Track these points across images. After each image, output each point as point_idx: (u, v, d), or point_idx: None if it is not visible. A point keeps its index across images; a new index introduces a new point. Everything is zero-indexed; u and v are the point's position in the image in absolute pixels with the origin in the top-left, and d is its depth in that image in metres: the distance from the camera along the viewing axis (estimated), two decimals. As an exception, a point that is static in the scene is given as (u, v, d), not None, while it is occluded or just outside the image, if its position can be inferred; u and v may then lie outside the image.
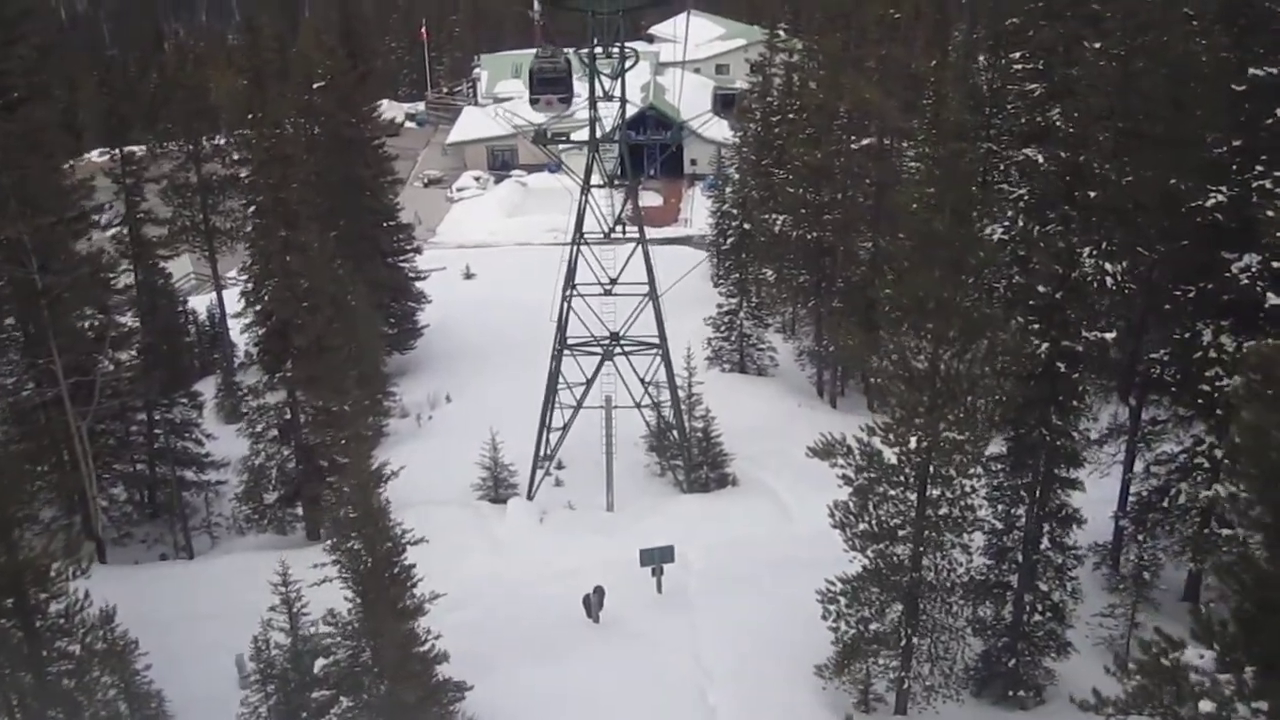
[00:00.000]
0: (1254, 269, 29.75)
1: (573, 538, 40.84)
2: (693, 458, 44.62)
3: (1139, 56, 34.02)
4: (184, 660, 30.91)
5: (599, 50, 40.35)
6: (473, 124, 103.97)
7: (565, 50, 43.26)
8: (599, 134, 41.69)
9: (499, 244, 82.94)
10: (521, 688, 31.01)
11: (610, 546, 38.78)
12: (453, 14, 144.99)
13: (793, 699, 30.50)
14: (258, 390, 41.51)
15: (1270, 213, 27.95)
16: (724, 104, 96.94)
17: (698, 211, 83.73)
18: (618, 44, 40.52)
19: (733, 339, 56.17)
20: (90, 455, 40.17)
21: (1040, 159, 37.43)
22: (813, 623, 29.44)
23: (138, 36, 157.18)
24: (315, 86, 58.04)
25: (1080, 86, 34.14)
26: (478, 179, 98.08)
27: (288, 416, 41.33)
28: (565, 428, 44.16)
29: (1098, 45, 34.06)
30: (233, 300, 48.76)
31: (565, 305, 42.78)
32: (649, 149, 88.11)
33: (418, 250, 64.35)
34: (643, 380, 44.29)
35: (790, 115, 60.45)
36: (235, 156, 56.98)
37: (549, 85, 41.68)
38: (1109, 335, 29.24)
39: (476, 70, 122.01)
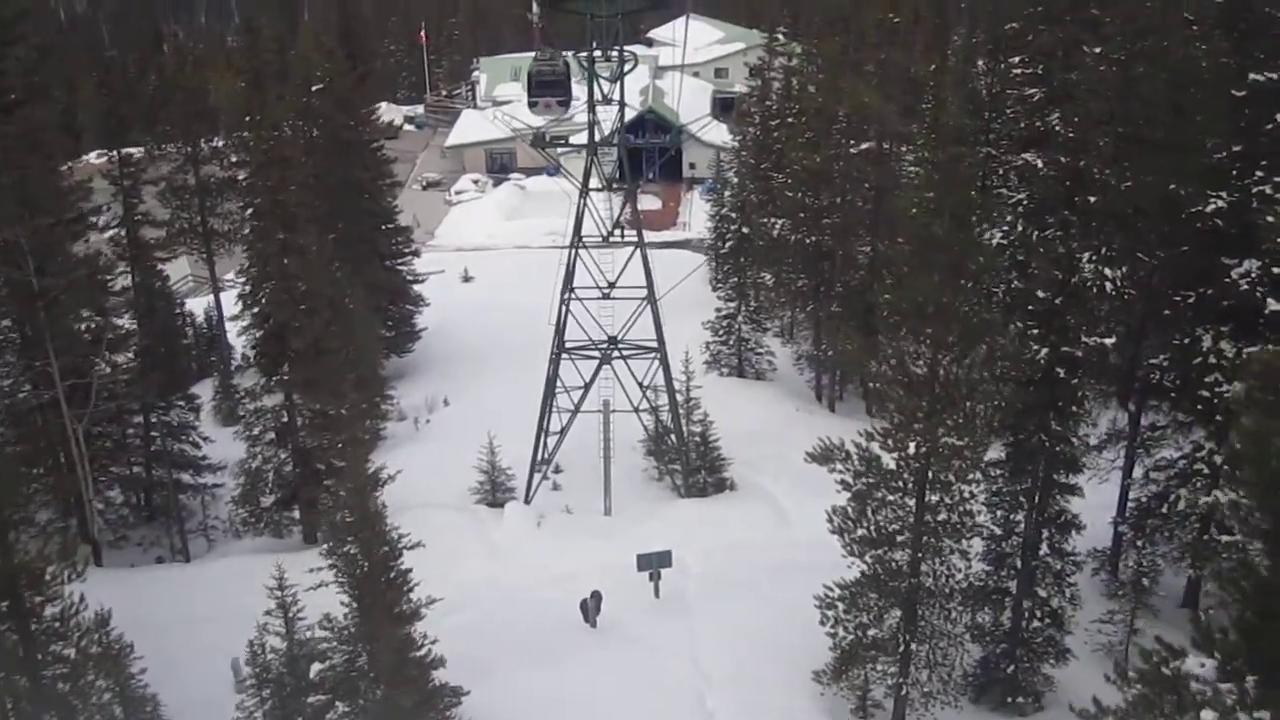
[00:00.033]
0: (1254, 274, 29.75)
1: (570, 542, 40.72)
2: (691, 462, 44.53)
3: (1139, 61, 34.02)
4: (180, 663, 30.83)
5: (598, 53, 40.30)
6: (471, 127, 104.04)
7: (564, 53, 43.20)
8: (598, 137, 41.60)
9: (497, 247, 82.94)
10: (519, 692, 30.88)
11: (608, 551, 38.66)
12: (452, 17, 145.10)
13: (791, 704, 30.41)
14: (255, 393, 41.43)
15: (1270, 218, 27.89)
16: (723, 108, 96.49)
17: (696, 215, 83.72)
18: (616, 47, 40.47)
19: (731, 343, 56.11)
20: (87, 458, 40.05)
21: (1039, 164, 37.37)
22: (811, 628, 29.34)
23: (137, 38, 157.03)
24: (314, 89, 58.02)
25: (1080, 91, 34.04)
26: (476, 182, 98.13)
27: (285, 419, 41.24)
28: (563, 431, 44.07)
29: (1097, 50, 33.97)
30: (230, 303, 48.66)
31: (563, 309, 42.71)
32: (647, 152, 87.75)
33: (416, 253, 64.33)
34: (641, 384, 44.19)
35: (789, 119, 60.45)
36: (233, 159, 56.93)
37: (547, 88, 41.57)
38: (1108, 341, 29.18)
39: (475, 73, 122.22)
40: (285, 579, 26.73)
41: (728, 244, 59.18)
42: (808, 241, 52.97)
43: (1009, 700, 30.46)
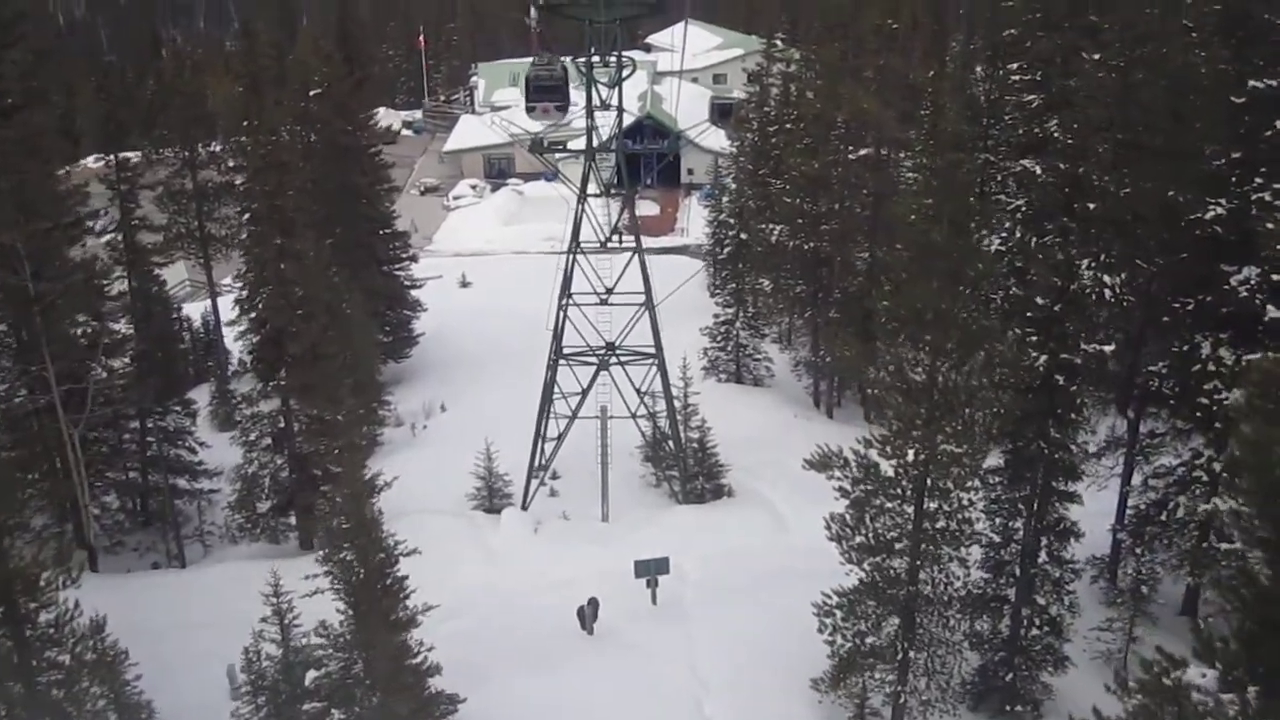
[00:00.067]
0: (1253, 281, 29.68)
1: (567, 548, 40.62)
2: (688, 468, 44.45)
3: (1138, 68, 34.00)
4: (176, 670, 30.71)
5: (596, 59, 40.24)
6: (470, 132, 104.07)
7: (562, 58, 43.15)
8: (596, 143, 41.56)
9: (495, 252, 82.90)
10: (515, 699, 30.80)
11: (605, 557, 38.61)
12: (451, 22, 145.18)
13: (788, 712, 30.34)
14: (251, 398, 41.30)
15: (1270, 225, 27.91)
16: (721, 113, 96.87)
17: (694, 221, 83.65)
18: (615, 53, 40.41)
19: (729, 349, 56.04)
20: (83, 463, 39.95)
21: (1038, 170, 37.43)
22: (809, 635, 29.28)
23: (135, 42, 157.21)
24: (312, 94, 57.94)
25: (1079, 98, 34.10)
26: (474, 187, 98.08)
27: (282, 425, 41.14)
28: (560, 438, 43.98)
29: (1096, 56, 34.00)
30: (228, 307, 48.56)
31: (561, 315, 42.63)
32: (646, 158, 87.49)
33: (414, 258, 64.30)
34: (639, 390, 44.13)
35: (787, 125, 60.41)
36: (231, 163, 56.85)
37: (545, 93, 41.54)
38: (1108, 348, 29.11)
39: (474, 78, 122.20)
40: (281, 585, 26.61)
41: (726, 250, 59.15)
42: (806, 247, 52.94)
43: (1007, 708, 30.34)
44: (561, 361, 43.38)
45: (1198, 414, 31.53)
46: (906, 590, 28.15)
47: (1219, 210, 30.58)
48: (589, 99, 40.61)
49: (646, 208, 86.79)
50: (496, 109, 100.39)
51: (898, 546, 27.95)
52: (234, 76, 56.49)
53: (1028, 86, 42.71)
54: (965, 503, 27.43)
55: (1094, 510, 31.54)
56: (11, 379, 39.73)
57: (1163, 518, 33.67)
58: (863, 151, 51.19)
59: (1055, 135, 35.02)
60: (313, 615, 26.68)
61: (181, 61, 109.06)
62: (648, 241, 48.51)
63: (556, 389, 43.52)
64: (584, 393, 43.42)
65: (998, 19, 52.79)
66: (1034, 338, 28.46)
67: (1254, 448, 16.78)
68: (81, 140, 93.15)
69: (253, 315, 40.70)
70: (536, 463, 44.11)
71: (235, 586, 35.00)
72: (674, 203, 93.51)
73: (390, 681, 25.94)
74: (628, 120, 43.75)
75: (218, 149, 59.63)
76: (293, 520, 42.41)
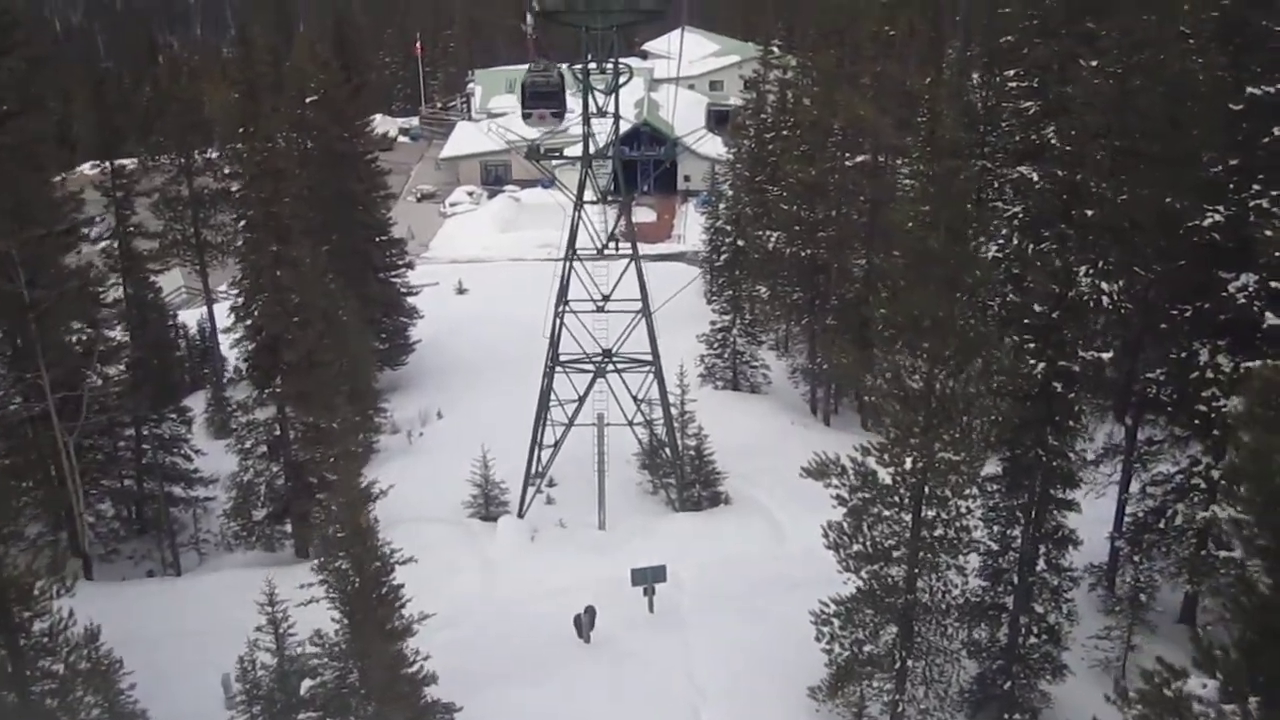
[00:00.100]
0: (1251, 289, 29.64)
1: (564, 556, 40.52)
2: (685, 476, 44.35)
3: (1136, 75, 33.95)
4: (171, 678, 30.58)
5: (593, 66, 40.18)
6: (466, 139, 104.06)
7: (559, 65, 43.09)
8: (592, 150, 41.49)
9: (492, 259, 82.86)
10: (511, 708, 30.70)
11: (602, 565, 38.52)
12: (447, 29, 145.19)
13: (786, 720, 30.26)
14: (247, 406, 41.15)
15: (1268, 232, 27.84)
16: (718, 120, 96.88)
17: (691, 228, 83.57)
18: (611, 60, 40.35)
19: (726, 356, 55.95)
20: (77, 471, 39.82)
21: (1035, 177, 37.42)
22: (806, 643, 29.22)
23: (132, 49, 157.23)
24: (308, 100, 57.85)
25: (1076, 104, 34.05)
26: (471, 194, 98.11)
27: (277, 432, 40.99)
28: (557, 445, 43.86)
29: (1094, 63, 33.96)
30: (223, 314, 48.47)
31: (558, 321, 42.53)
32: (643, 165, 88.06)
33: (410, 265, 64.11)
34: (635, 397, 44.02)
35: (784, 132, 60.41)
36: (227, 170, 56.78)
37: (542, 99, 41.44)
38: (1105, 355, 29.04)
39: (470, 85, 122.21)
40: (276, 594, 26.52)
41: (723, 257, 59.10)
42: (803, 254, 52.89)
43: (1006, 717, 30.14)
44: (558, 368, 43.30)
45: (1196, 421, 31.48)
46: (904, 598, 28.09)
47: (1217, 217, 30.54)
48: (586, 106, 40.57)
49: (643, 214, 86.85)
50: (493, 116, 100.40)
51: (895, 554, 27.90)
52: (230, 83, 56.38)
53: (1025, 93, 42.70)
54: (963, 510, 27.39)
55: (1092, 518, 31.43)
56: (6, 386, 39.56)
57: (1161, 525, 33.60)
58: (860, 158, 51.14)
59: (1052, 142, 34.96)
60: (308, 624, 26.60)
61: (178, 68, 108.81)
62: (644, 248, 48.47)
63: (553, 396, 43.42)
64: (581, 400, 43.35)
65: (995, 26, 52.85)
66: (1032, 345, 28.38)
67: (1254, 456, 16.71)
68: (78, 147, 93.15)
69: (248, 322, 40.54)
70: (533, 470, 44.01)
71: (230, 594, 34.92)
72: (671, 209, 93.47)
73: (386, 691, 25.82)
74: (624, 127, 43.71)
75: (214, 155, 59.58)
76: (288, 528, 42.24)
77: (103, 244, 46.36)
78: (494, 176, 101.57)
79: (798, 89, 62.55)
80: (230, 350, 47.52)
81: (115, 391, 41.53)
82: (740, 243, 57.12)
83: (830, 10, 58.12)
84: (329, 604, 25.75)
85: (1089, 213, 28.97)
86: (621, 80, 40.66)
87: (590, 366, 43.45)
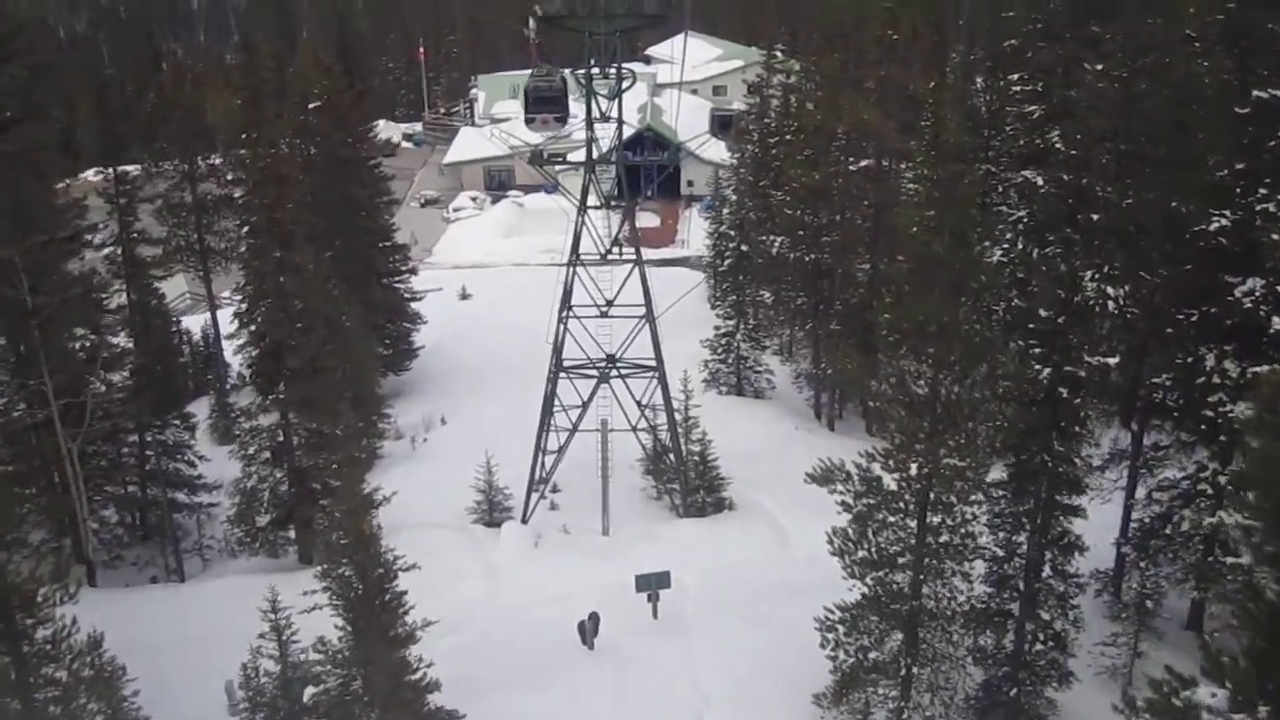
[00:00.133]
0: (1258, 293, 29.50)
1: (568, 562, 40.42)
2: (689, 481, 44.23)
3: (1141, 78, 33.83)
4: (174, 685, 30.54)
5: (596, 71, 40.12)
6: (470, 144, 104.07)
7: (562, 70, 43.03)
8: (596, 155, 41.42)
9: (495, 264, 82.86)
10: (515, 715, 30.64)
11: (606, 571, 38.41)
12: (451, 34, 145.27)
13: (790, 728, 30.15)
14: (251, 412, 41.08)
15: (1275, 236, 27.71)
16: (721, 125, 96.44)
17: (695, 233, 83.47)
18: (615, 64, 40.29)
19: (730, 361, 55.87)
20: (81, 477, 39.81)
21: (1039, 181, 37.32)
22: (810, 649, 29.10)
23: (136, 56, 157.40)
24: (312, 106, 57.86)
25: (1081, 108, 33.94)
26: (474, 199, 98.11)
27: (281, 438, 40.93)
28: (561, 451, 43.78)
29: (1099, 67, 33.85)
30: (227, 320, 48.45)
31: (561, 327, 42.46)
32: (646, 170, 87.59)
33: (413, 271, 64.16)
34: (639, 403, 43.93)
35: (788, 136, 60.38)
36: (230, 176, 56.74)
37: (544, 104, 41.34)
38: (1111, 360, 28.87)
39: (474, 90, 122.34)
40: (279, 601, 26.45)
41: (726, 262, 58.97)
42: (807, 259, 52.82)
43: (1011, 724, 30.13)
44: (562, 374, 43.20)
45: (1202, 427, 31.34)
46: (909, 605, 27.99)
47: (1223, 221, 30.41)
48: (589, 111, 40.50)
49: (647, 220, 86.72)
50: (496, 121, 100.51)
51: (900, 561, 27.80)
52: (234, 89, 56.36)
53: (1029, 97, 42.63)
54: (968, 516, 27.30)
55: (1098, 524, 31.29)
56: (9, 393, 39.57)
57: (1167, 531, 33.44)
58: (863, 163, 51.07)
59: (1057, 146, 34.87)
60: (311, 631, 26.54)
61: (181, 75, 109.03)
62: (648, 253, 48.31)
63: (557, 402, 43.34)
64: (584, 405, 43.25)
65: (998, 30, 52.81)
66: (1037, 350, 28.22)
67: (1263, 462, 16.58)
68: (81, 153, 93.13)
69: (251, 328, 40.49)
70: (537, 476, 43.90)
71: (234, 601, 34.83)
72: (674, 214, 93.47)
73: (389, 698, 25.75)
74: (628, 132, 43.58)
75: (217, 162, 59.53)
76: (292, 534, 42.17)
77: (106, 250, 46.49)
78: (497, 182, 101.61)
79: (801, 93, 62.58)
80: (234, 356, 47.50)
81: (119, 398, 41.51)
82: (744, 248, 57.01)
83: (833, 14, 58.12)
84: (332, 611, 25.70)
85: (1094, 217, 28.84)
86: (625, 85, 40.58)
87: (594, 372, 43.34)
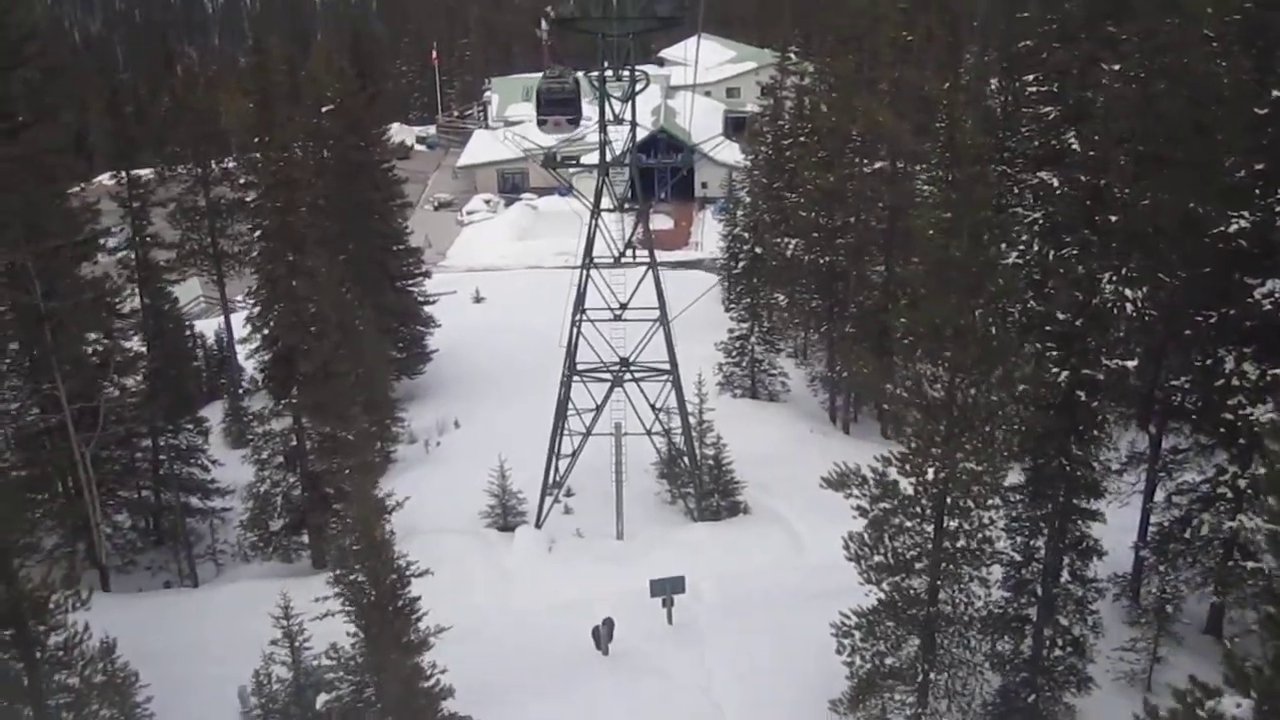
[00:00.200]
0: (1277, 295, 29.17)
1: (582, 567, 40.31)
2: (704, 485, 44.09)
3: (1158, 79, 33.51)
4: (187, 690, 30.48)
5: (609, 73, 40.00)
6: (483, 147, 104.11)
7: (575, 72, 42.91)
8: (609, 157, 41.31)
9: (509, 267, 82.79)
10: (529, 721, 30.51)
11: (620, 576, 38.26)
12: (464, 37, 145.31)
13: (806, 734, 29.93)
14: (264, 416, 41.08)
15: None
16: (735, 127, 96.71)
17: (709, 235, 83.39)
18: (628, 67, 40.16)
19: (744, 364, 55.68)
20: (94, 482, 39.83)
21: (1055, 183, 37.02)
22: (826, 655, 28.85)
23: (150, 59, 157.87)
24: (325, 109, 57.93)
25: (1098, 109, 33.64)
26: (488, 202, 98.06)
27: (294, 443, 40.90)
28: (575, 455, 43.67)
29: (1116, 67, 33.54)
30: (241, 324, 48.45)
31: (575, 330, 42.34)
32: (659, 172, 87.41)
33: (427, 274, 64.17)
34: (653, 406, 43.81)
35: (802, 138, 60.15)
36: (243, 180, 56.78)
37: (557, 106, 41.23)
38: (1130, 363, 28.59)
39: (487, 93, 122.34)
40: (292, 607, 26.36)
41: (740, 264, 58.81)
42: (821, 261, 52.66)
43: (1029, 730, 29.86)
44: (575, 377, 43.10)
45: (1221, 429, 31.00)
46: (926, 610, 27.75)
47: (1242, 222, 30.05)
48: (602, 113, 40.39)
49: (661, 222, 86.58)
50: (510, 124, 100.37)
51: (917, 566, 27.54)
52: (247, 93, 56.43)
53: (1044, 98, 42.29)
54: (986, 521, 27.00)
55: (1116, 527, 30.97)
56: (23, 398, 39.63)
57: (1186, 535, 33.07)
58: (878, 165, 50.87)
59: (1073, 147, 34.55)
60: (324, 637, 26.47)
61: (194, 78, 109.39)
62: (662, 256, 48.24)
63: (571, 405, 43.23)
64: (598, 409, 43.11)
65: (1013, 30, 52.51)
66: (1054, 353, 27.94)
67: (1286, 467, 16.30)
68: (94, 157, 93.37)
69: (264, 332, 40.47)
70: (550, 480, 43.80)
71: (247, 606, 34.82)
72: (688, 217, 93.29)
73: (402, 705, 25.64)
74: (641, 134, 43.46)
75: (230, 165, 59.60)
76: (305, 539, 42.13)
77: (119, 254, 46.52)
78: (511, 184, 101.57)
79: (815, 95, 62.31)
80: (247, 360, 47.51)
81: (132, 402, 41.57)
82: (758, 250, 56.88)
83: (848, 16, 57.89)
84: (345, 617, 25.61)
85: (1112, 218, 28.59)
86: (638, 87, 40.46)
87: (608, 375, 43.22)
